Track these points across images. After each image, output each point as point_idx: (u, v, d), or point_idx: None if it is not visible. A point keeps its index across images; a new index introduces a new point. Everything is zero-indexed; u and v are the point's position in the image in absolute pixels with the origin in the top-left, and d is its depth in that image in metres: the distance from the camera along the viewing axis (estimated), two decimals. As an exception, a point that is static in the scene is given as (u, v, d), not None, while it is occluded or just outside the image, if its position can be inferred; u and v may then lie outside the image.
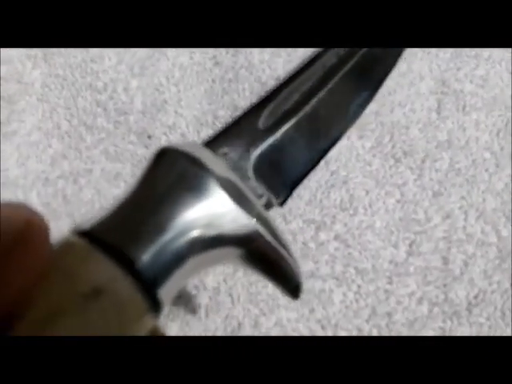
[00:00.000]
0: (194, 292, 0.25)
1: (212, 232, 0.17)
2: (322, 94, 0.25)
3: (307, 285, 0.25)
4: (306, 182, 0.27)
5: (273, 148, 0.23)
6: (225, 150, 0.22)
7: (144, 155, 0.27)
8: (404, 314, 0.25)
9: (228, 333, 0.24)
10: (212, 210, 0.17)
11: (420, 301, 0.25)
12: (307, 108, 0.24)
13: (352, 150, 0.27)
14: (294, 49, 0.29)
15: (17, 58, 0.29)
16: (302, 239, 0.26)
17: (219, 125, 0.28)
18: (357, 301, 0.25)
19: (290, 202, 0.26)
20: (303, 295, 0.25)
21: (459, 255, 0.26)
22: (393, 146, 0.28)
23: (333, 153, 0.27)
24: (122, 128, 0.28)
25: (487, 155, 0.28)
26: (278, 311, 0.25)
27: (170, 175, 0.17)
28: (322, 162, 0.27)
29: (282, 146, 0.23)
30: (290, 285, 0.20)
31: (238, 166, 0.22)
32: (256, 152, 0.22)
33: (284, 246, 0.19)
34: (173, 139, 0.28)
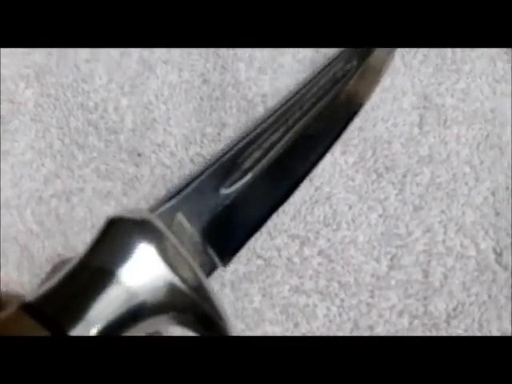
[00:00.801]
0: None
1: (148, 302, 0.19)
2: (282, 150, 0.25)
3: (292, 300, 0.26)
4: (291, 197, 0.28)
5: (225, 210, 0.23)
6: (175, 214, 0.23)
7: (134, 174, 0.28)
8: (385, 327, 0.26)
9: (216, 346, 0.25)
10: (150, 281, 0.19)
11: (401, 314, 0.26)
12: (265, 166, 0.25)
13: (335, 165, 0.28)
14: (280, 66, 0.30)
15: (9, 78, 0.30)
16: (287, 254, 0.27)
17: (207, 143, 0.29)
18: (340, 315, 0.26)
19: (275, 217, 0.27)
20: (288, 309, 0.26)
21: (439, 268, 0.27)
22: (375, 161, 0.28)
23: (317, 169, 0.28)
24: (112, 147, 0.29)
25: (467, 169, 0.28)
26: (263, 325, 0.26)
27: (113, 247, 0.19)
28: (307, 178, 0.28)
29: (235, 207, 0.24)
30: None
31: (186, 230, 0.23)
32: (207, 216, 0.23)
33: (217, 314, 0.20)
34: (162, 157, 0.29)
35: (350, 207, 0.28)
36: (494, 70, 0.30)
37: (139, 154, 0.29)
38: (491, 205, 0.28)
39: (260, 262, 0.27)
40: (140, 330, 0.19)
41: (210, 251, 0.23)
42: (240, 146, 0.25)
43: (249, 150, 0.25)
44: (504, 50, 0.31)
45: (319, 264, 0.27)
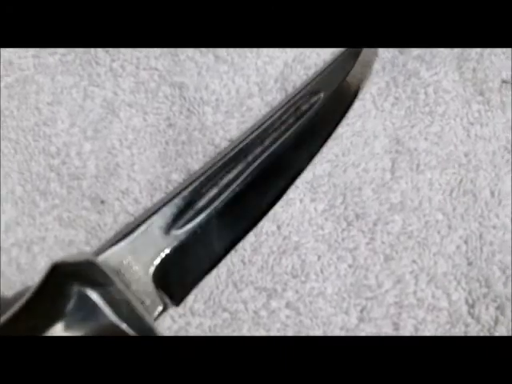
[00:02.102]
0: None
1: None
2: (240, 187, 0.25)
3: (258, 355, 0.25)
4: (257, 247, 0.27)
5: (175, 252, 0.23)
6: (124, 256, 0.22)
7: (97, 221, 0.27)
8: (354, 383, 0.25)
9: None
10: (95, 327, 0.19)
11: (370, 369, 0.25)
12: (221, 204, 0.24)
13: (304, 213, 0.27)
14: (248, 109, 0.29)
15: (-31, 122, 0.29)
16: (254, 307, 0.26)
17: (172, 188, 0.28)
18: (307, 370, 0.25)
19: (241, 268, 0.27)
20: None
21: (410, 320, 0.26)
22: (345, 208, 0.28)
23: (285, 217, 0.27)
24: (75, 193, 0.28)
25: (439, 216, 0.28)
26: (228, 382, 0.25)
27: (55, 295, 0.20)
28: (274, 227, 0.27)
29: (186, 248, 0.23)
30: None
31: (134, 273, 0.22)
32: (156, 258, 0.23)
33: None
34: (126, 204, 0.28)
35: (319, 257, 0.27)
36: (469, 112, 0.30)
37: (102, 201, 0.28)
38: (464, 254, 0.27)
39: (226, 315, 0.26)
40: None
41: (160, 292, 0.23)
42: (195, 184, 0.25)
43: (205, 188, 0.24)
44: (478, 90, 0.30)
45: (287, 317, 0.26)
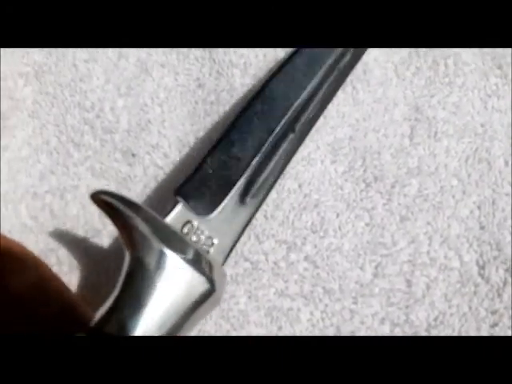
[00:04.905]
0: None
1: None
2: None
3: (276, 303, 0.27)
4: (279, 203, 0.28)
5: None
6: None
7: (128, 173, 0.29)
8: (367, 333, 0.26)
9: (200, 346, 0.26)
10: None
11: (382, 321, 0.27)
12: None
13: (325, 173, 0.29)
14: (274, 73, 0.30)
15: (9, 76, 0.30)
16: (274, 259, 0.27)
17: (200, 146, 0.29)
18: (323, 319, 0.27)
19: (263, 222, 0.28)
20: (273, 313, 0.27)
21: (422, 278, 0.27)
22: (364, 171, 0.29)
23: (306, 176, 0.29)
24: (107, 146, 0.29)
25: (455, 182, 0.29)
26: (248, 327, 0.26)
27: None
28: (296, 185, 0.29)
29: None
30: None
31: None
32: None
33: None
34: (155, 158, 0.29)
35: (338, 215, 0.28)
36: (487, 85, 0.31)
37: (133, 155, 0.29)
38: (477, 218, 0.28)
39: (247, 265, 0.27)
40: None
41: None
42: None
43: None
44: (497, 64, 0.31)
45: (305, 269, 0.27)
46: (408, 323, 0.27)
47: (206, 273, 0.21)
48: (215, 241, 0.24)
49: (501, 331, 0.26)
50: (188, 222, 0.24)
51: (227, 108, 0.30)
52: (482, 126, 0.30)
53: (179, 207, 0.24)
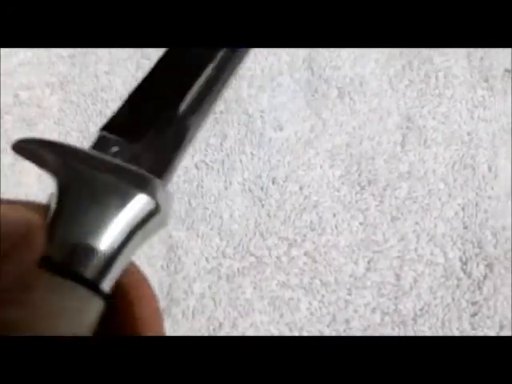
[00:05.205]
0: (183, 296, 0.29)
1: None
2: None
3: (279, 293, 0.30)
4: (282, 204, 0.31)
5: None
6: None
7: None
8: (360, 321, 0.30)
9: (210, 331, 0.29)
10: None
11: (374, 310, 0.30)
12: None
13: (323, 177, 0.32)
14: (278, 85, 0.33)
15: (37, 85, 0.33)
16: (276, 254, 0.30)
17: (210, 151, 0.32)
18: (320, 309, 0.30)
19: (267, 221, 0.31)
20: (275, 302, 0.30)
21: (410, 273, 0.30)
22: (359, 175, 0.32)
23: (307, 179, 0.32)
24: (126, 150, 0.32)
25: (441, 186, 0.32)
26: (253, 314, 0.29)
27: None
28: (297, 187, 0.31)
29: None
30: None
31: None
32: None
33: None
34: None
35: (335, 215, 0.31)
36: (474, 96, 0.34)
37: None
38: (461, 219, 0.31)
39: (252, 259, 0.30)
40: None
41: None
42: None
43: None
44: (484, 77, 0.34)
45: (304, 263, 0.30)
46: (397, 312, 0.30)
47: (146, 191, 0.18)
48: (148, 162, 0.21)
49: (480, 320, 0.29)
50: (116, 147, 0.21)
51: (235, 117, 0.32)
52: (469, 134, 0.33)
53: (107, 138, 0.21)
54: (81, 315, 0.15)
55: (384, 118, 0.33)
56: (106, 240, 0.17)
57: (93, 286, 0.15)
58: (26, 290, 0.14)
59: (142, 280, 0.16)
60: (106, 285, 0.16)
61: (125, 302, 0.16)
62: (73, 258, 0.15)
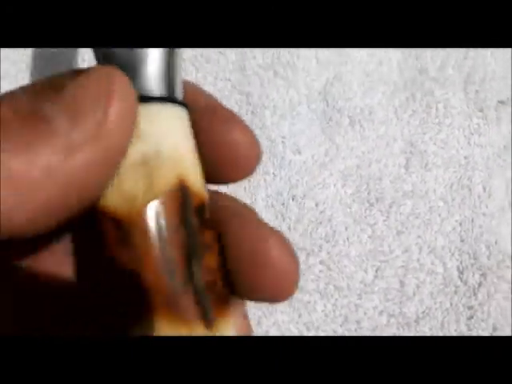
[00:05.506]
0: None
1: None
2: None
3: (298, 296, 0.34)
4: (300, 218, 0.36)
5: None
6: None
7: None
8: (368, 322, 0.34)
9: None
10: None
11: (381, 313, 0.34)
12: None
13: (337, 195, 0.36)
14: (297, 114, 0.38)
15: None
16: (295, 262, 0.35)
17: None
18: (334, 311, 0.34)
19: (287, 233, 0.35)
20: (295, 304, 0.34)
21: (413, 280, 0.34)
22: (368, 193, 0.36)
23: (322, 197, 0.36)
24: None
25: (441, 204, 0.36)
26: (275, 314, 0.34)
27: None
28: (313, 203, 0.36)
29: None
30: None
31: None
32: None
33: None
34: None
35: (346, 228, 0.35)
36: (470, 124, 0.38)
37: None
38: (458, 233, 0.35)
39: (274, 267, 0.35)
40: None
41: None
42: None
43: None
44: (479, 108, 0.38)
45: (320, 271, 0.35)
46: (401, 315, 0.34)
47: None
48: None
49: (475, 323, 0.33)
50: None
51: (260, 141, 0.37)
52: (466, 158, 0.37)
53: None
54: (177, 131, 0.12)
55: (390, 143, 0.37)
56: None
57: (166, 98, 0.13)
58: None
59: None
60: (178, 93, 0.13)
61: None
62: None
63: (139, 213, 0.12)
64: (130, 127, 0.12)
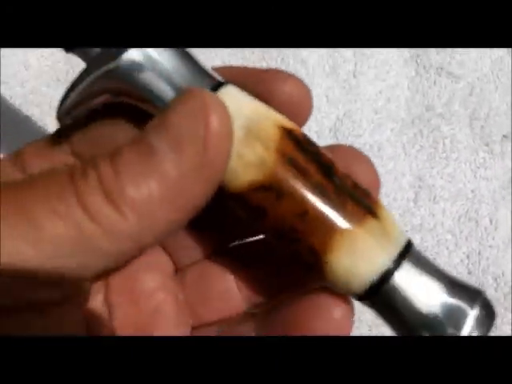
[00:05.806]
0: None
1: None
2: None
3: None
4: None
5: None
6: None
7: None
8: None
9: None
10: None
11: (391, 344, 0.35)
12: None
13: (348, 229, 0.37)
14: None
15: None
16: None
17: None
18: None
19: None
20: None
21: (422, 311, 0.35)
22: (378, 227, 0.37)
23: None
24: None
25: (449, 236, 0.37)
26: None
27: None
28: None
29: None
30: None
31: None
32: None
33: None
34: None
35: (357, 261, 0.37)
36: (476, 159, 0.39)
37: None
38: (465, 265, 0.36)
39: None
40: None
41: None
42: None
43: None
44: (485, 142, 0.40)
45: (332, 303, 0.36)
46: (411, 346, 0.35)
47: None
48: None
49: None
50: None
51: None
52: (472, 191, 0.38)
53: None
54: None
55: (398, 178, 0.39)
56: None
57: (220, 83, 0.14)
58: None
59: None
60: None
61: None
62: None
63: (275, 166, 0.14)
64: (228, 148, 0.13)
